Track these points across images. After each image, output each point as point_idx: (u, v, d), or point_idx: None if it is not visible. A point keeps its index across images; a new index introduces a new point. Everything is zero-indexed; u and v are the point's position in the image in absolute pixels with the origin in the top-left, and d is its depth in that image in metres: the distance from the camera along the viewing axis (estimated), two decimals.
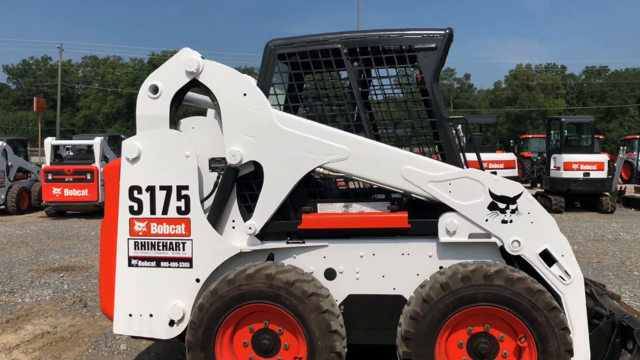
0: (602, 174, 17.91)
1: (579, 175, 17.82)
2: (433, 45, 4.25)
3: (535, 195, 18.81)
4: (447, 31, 4.26)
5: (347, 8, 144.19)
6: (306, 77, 4.87)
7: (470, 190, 4.07)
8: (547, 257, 4.04)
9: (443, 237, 4.10)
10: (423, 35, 4.28)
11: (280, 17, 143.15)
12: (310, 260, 4.31)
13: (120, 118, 75.47)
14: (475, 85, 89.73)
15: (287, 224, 4.33)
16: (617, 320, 4.02)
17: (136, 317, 4.38)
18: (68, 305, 7.14)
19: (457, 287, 3.79)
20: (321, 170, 4.27)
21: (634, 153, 25.00)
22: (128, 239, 4.38)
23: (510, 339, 3.89)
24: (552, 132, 20.02)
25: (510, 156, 19.24)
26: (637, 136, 30.11)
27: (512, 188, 4.05)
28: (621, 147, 23.14)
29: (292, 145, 4.20)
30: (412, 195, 4.18)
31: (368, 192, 4.54)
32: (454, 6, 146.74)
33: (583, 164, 17.84)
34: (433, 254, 4.21)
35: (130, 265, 4.38)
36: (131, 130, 63.52)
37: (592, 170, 17.87)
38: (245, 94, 4.24)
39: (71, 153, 20.20)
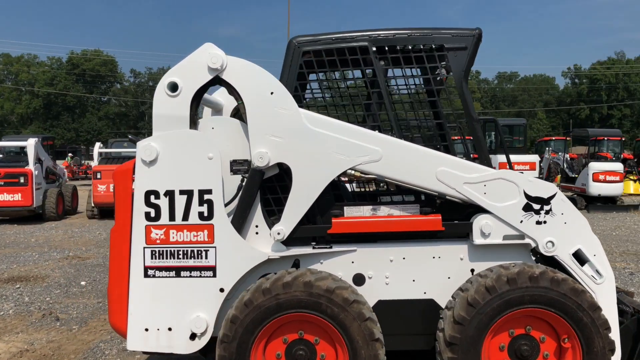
0: (534, 174, 18.70)
1: None
2: (463, 45, 4.21)
3: None
4: (477, 31, 4.23)
5: (273, 6, 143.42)
6: (326, 75, 4.71)
7: (505, 192, 4.05)
8: (579, 257, 4.08)
9: (478, 240, 4.06)
10: (453, 35, 4.23)
11: (207, 18, 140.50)
12: (338, 265, 4.15)
13: (36, 119, 71.62)
14: None
15: (316, 228, 4.15)
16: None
17: (153, 331, 4.07)
18: (37, 319, 6.58)
19: (503, 289, 3.75)
20: (352, 172, 4.14)
21: (558, 154, 26.12)
22: (144, 247, 4.06)
23: (551, 340, 3.90)
24: (485, 133, 20.75)
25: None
26: (553, 138, 31.57)
27: (546, 189, 4.07)
28: (547, 148, 24.20)
29: (322, 147, 4.03)
30: (447, 197, 4.12)
31: (380, 194, 4.45)
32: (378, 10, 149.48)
33: (517, 164, 18.47)
34: (464, 257, 4.16)
35: (146, 276, 4.06)
36: (49, 132, 60.34)
37: (525, 170, 18.62)
38: (272, 93, 4.03)
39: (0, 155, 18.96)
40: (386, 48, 4.25)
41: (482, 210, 4.10)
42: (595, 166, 18.67)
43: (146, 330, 4.08)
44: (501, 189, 4.05)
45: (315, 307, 3.79)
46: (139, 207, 4.05)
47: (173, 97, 4.02)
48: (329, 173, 4.06)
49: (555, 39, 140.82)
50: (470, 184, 4.05)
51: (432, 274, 4.16)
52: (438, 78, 4.39)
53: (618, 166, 18.80)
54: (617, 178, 18.58)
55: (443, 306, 4.12)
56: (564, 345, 3.82)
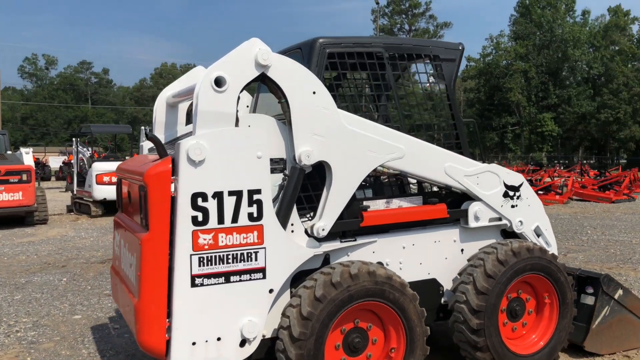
0: None
1: None
2: (453, 57, 4.88)
3: None
4: (461, 47, 4.94)
5: None
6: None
7: (491, 182, 4.85)
8: (536, 232, 5.11)
9: (472, 223, 4.79)
10: (446, 48, 4.87)
11: None
12: (361, 256, 4.45)
13: None
14: (115, 81, 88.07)
15: (349, 222, 4.37)
16: (575, 275, 5.34)
17: (201, 344, 3.83)
18: None
19: (512, 262, 4.53)
20: (380, 168, 4.47)
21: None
22: (191, 255, 3.78)
23: (533, 300, 4.83)
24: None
25: None
26: None
27: (517, 178, 4.99)
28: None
29: (358, 144, 4.29)
30: (453, 188, 4.75)
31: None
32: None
33: None
34: (457, 239, 4.85)
35: (193, 285, 3.79)
36: None
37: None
38: (314, 92, 4.13)
39: None
40: (396, 55, 4.68)
41: (468, 198, 4.83)
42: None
43: (193, 344, 3.81)
44: (489, 180, 4.84)
45: (379, 294, 4.06)
46: (185, 212, 3.75)
47: (220, 93, 3.83)
48: (364, 170, 4.33)
49: (267, 40, 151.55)
50: (469, 177, 4.75)
51: (434, 256, 4.74)
52: (428, 84, 4.98)
53: None
54: None
55: (443, 283, 4.75)
56: (545, 302, 4.79)
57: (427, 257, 4.71)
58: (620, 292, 5.15)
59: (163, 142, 5.08)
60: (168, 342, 3.79)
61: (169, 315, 3.79)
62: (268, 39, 3.96)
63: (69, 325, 6.37)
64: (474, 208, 4.79)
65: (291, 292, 4.17)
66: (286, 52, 4.99)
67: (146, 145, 5.09)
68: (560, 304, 4.78)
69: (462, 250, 4.85)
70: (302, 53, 4.52)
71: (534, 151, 68.24)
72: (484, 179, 4.82)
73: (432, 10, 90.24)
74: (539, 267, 4.66)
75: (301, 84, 4.09)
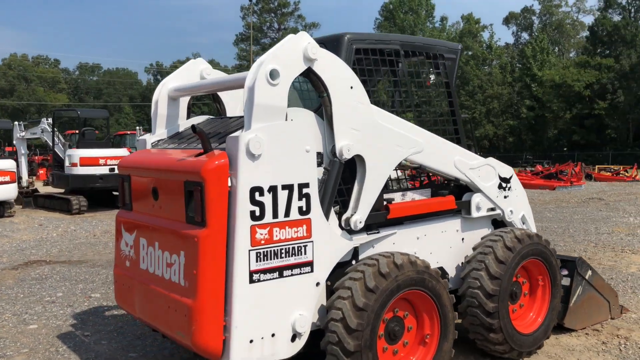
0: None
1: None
2: (454, 57, 5.15)
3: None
4: (460, 47, 5.22)
5: None
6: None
7: (489, 174, 5.20)
8: (523, 220, 5.55)
9: (475, 214, 5.10)
10: (449, 48, 5.13)
11: None
12: (384, 247, 4.58)
13: None
14: None
15: (378, 215, 4.46)
16: None
17: (258, 341, 3.76)
18: None
19: (518, 248, 4.89)
20: (403, 162, 4.61)
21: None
22: (249, 250, 3.69)
23: (527, 282, 5.23)
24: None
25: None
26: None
27: (509, 171, 5.38)
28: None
29: (387, 139, 4.41)
30: (460, 181, 5.01)
31: None
32: None
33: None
34: (459, 229, 5.14)
35: (251, 281, 3.71)
36: None
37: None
38: (352, 87, 4.18)
39: None
40: (410, 52, 4.85)
41: (466, 190, 5.14)
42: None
43: (251, 342, 3.73)
44: (487, 173, 5.18)
45: (421, 282, 4.20)
46: (244, 206, 3.66)
47: (273, 86, 3.76)
48: (392, 163, 4.46)
49: (137, 33, 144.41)
50: (473, 169, 5.05)
51: (441, 245, 4.99)
52: (429, 82, 5.20)
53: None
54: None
55: (448, 271, 5.02)
56: (539, 284, 5.21)
57: (436, 247, 4.94)
58: (589, 272, 5.74)
59: (166, 136, 4.84)
60: (224, 342, 3.66)
61: (226, 313, 3.67)
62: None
63: (29, 336, 5.81)
64: (475, 199, 5.10)
65: (327, 284, 4.18)
66: None
67: (149, 139, 4.80)
68: (552, 286, 5.24)
69: (462, 239, 5.14)
70: (327, 48, 4.52)
71: None
72: (484, 172, 5.15)
73: (301, 10, 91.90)
74: (537, 252, 5.07)
75: (342, 79, 4.12)
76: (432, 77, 5.25)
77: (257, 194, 3.70)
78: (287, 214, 3.85)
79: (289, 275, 3.88)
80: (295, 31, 77.88)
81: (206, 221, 3.62)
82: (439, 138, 4.85)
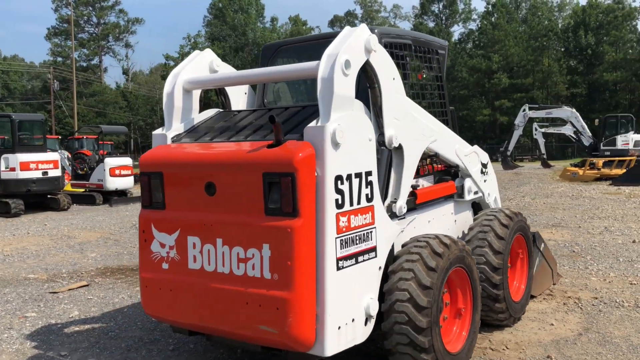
0: (58, 172, 18.26)
1: (38, 174, 17.50)
2: (444, 52, 5.57)
3: None
4: (447, 42, 5.64)
5: None
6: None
7: (475, 161, 5.69)
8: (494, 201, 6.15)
9: (467, 197, 5.57)
10: (441, 44, 5.53)
11: None
12: (408, 232, 4.85)
13: None
14: None
15: (409, 200, 4.70)
16: None
17: (343, 327, 3.84)
18: None
19: (510, 225, 5.44)
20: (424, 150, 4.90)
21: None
22: (335, 238, 3.74)
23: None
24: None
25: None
26: (80, 137, 29.56)
27: (486, 157, 5.92)
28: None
29: (417, 128, 4.69)
30: (459, 167, 5.42)
31: None
32: None
33: (41, 163, 17.61)
34: (452, 212, 5.58)
35: (338, 268, 3.77)
36: None
37: (49, 169, 17.97)
38: (394, 79, 4.38)
39: None
40: (416, 47, 5.14)
41: (456, 175, 5.60)
42: (110, 162, 19.93)
43: (339, 328, 3.78)
44: (473, 159, 5.67)
45: (462, 260, 4.52)
46: (330, 195, 3.70)
47: (346, 77, 3.85)
48: (421, 151, 4.74)
49: None
50: (466, 156, 5.50)
51: (443, 227, 5.38)
52: (420, 75, 5.53)
53: (129, 161, 20.55)
54: (129, 172, 20.35)
55: None
56: (519, 257, 5.83)
57: (439, 229, 5.30)
58: (543, 244, 6.52)
59: (183, 130, 4.61)
60: (316, 331, 3.67)
61: (317, 303, 3.67)
62: None
63: None
64: (467, 183, 5.57)
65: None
66: (325, 39, 5.04)
67: (168, 134, 4.50)
68: (529, 257, 5.89)
69: (455, 221, 5.58)
70: None
71: None
72: (472, 158, 5.64)
73: (122, 5, 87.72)
74: (521, 227, 5.68)
75: (389, 71, 4.30)
76: (424, 70, 5.61)
77: (339, 182, 3.76)
78: (358, 201, 3.94)
79: (361, 261, 3.97)
80: (118, 26, 73.48)
81: (299, 211, 3.59)
82: (446, 127, 5.23)
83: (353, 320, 3.89)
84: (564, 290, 6.67)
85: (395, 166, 4.51)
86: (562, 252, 8.78)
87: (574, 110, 30.76)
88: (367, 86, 4.28)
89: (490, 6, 60.30)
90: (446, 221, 5.42)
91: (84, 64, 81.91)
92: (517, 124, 31.97)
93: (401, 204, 4.45)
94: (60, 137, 35.35)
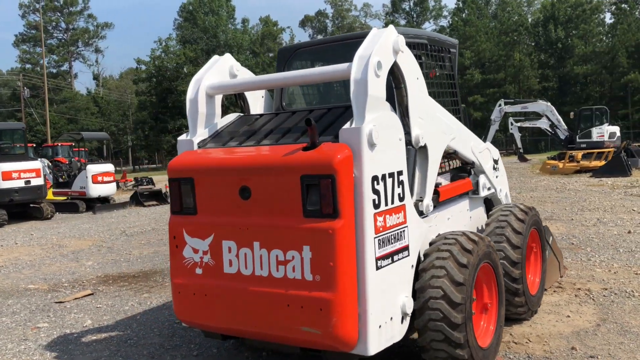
0: (40, 181, 17.95)
1: (21, 183, 17.19)
2: (455, 50, 5.63)
3: None
4: (457, 41, 5.71)
5: None
6: None
7: (487, 157, 5.77)
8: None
9: (482, 193, 5.64)
10: (452, 43, 5.59)
11: None
12: (432, 229, 4.90)
13: None
14: None
15: (434, 198, 4.75)
16: None
17: (383, 326, 3.88)
18: None
19: (526, 219, 5.52)
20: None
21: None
22: (374, 238, 3.77)
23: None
24: None
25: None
26: (59, 144, 29.34)
27: (497, 153, 6.00)
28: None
29: (438, 127, 4.75)
30: (474, 164, 5.49)
31: None
32: None
33: (23, 172, 17.32)
34: (468, 208, 5.64)
35: (377, 268, 3.80)
36: None
37: (32, 177, 17.71)
38: (417, 78, 4.43)
39: None
40: (431, 47, 5.19)
41: (469, 172, 5.67)
42: (93, 169, 19.68)
43: (379, 327, 3.81)
44: (486, 155, 5.74)
45: (488, 256, 4.58)
46: (368, 195, 3.74)
47: (378, 78, 3.88)
48: (442, 149, 4.79)
49: None
50: (480, 153, 5.57)
51: (460, 223, 5.44)
52: (432, 74, 5.58)
53: (111, 167, 20.35)
54: (111, 178, 20.11)
55: None
56: (533, 250, 5.92)
57: (457, 226, 5.37)
58: (551, 238, 6.63)
59: (207, 135, 4.59)
60: (359, 331, 3.70)
61: (358, 303, 3.70)
62: None
63: None
64: (482, 180, 5.65)
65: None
66: (341, 41, 5.08)
67: (195, 140, 4.48)
68: (542, 251, 5.99)
69: (470, 217, 5.65)
70: None
71: None
72: (485, 155, 5.71)
73: (91, 10, 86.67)
74: (536, 222, 5.77)
75: (414, 71, 4.34)
76: (436, 69, 5.66)
77: (375, 182, 3.79)
78: (392, 201, 3.97)
79: (397, 260, 4.01)
80: (87, 31, 72.43)
81: (339, 212, 3.61)
82: (462, 125, 5.29)
83: (391, 318, 3.92)
84: (573, 283, 6.80)
85: (419, 165, 4.56)
86: (561, 245, 8.92)
87: (549, 104, 31.26)
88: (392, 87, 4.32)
89: (460, 3, 61.09)
90: (463, 218, 5.49)
91: (54, 70, 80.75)
92: (493, 119, 32.37)
93: (428, 202, 4.50)
94: (34, 145, 34.79)
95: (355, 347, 3.71)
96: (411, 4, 63.14)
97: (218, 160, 4.18)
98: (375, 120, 3.80)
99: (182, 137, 4.59)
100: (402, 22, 63.44)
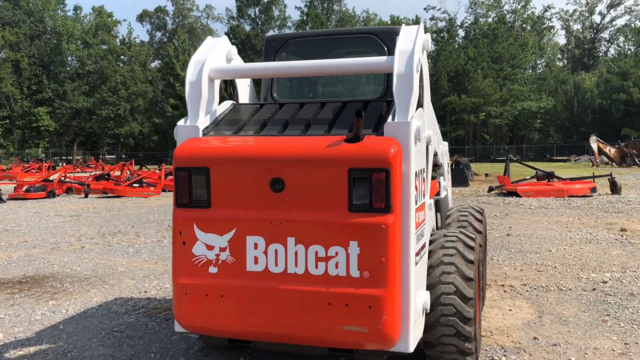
0: None
1: None
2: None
3: None
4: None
5: None
6: None
7: (447, 159, 6.03)
8: None
9: (443, 194, 5.89)
10: None
11: None
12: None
13: None
14: None
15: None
16: None
17: (417, 322, 3.90)
18: None
19: (482, 218, 5.86)
20: None
21: None
22: (414, 234, 3.78)
23: None
24: None
25: None
26: None
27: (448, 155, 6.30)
28: None
29: (436, 128, 4.88)
30: (440, 166, 5.70)
31: None
32: None
33: None
34: (432, 209, 5.85)
35: (415, 264, 3.81)
36: None
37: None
38: (427, 78, 4.52)
39: None
40: None
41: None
42: None
43: (415, 323, 3.83)
44: (447, 157, 6.00)
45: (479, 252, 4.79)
46: (412, 191, 3.74)
47: (417, 73, 3.89)
48: (435, 150, 4.92)
49: None
50: (445, 154, 5.81)
51: (429, 224, 5.61)
52: None
53: None
54: None
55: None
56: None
57: (428, 225, 5.55)
58: None
59: (209, 122, 4.24)
60: (401, 328, 3.68)
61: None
62: None
63: None
64: (443, 182, 5.90)
65: None
66: (336, 35, 4.97)
67: (200, 126, 4.07)
68: (485, 251, 6.39)
69: (432, 218, 5.86)
70: (380, 39, 4.69)
71: (29, 147, 65.52)
72: (446, 157, 5.98)
73: None
74: (485, 222, 6.15)
75: (427, 70, 4.42)
76: None
77: (415, 179, 3.79)
78: (422, 197, 4.02)
79: (423, 256, 4.05)
80: None
81: (391, 207, 3.55)
82: (437, 126, 5.47)
83: (419, 314, 3.94)
84: (494, 280, 7.35)
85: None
86: None
87: None
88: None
89: (304, 16, 62.88)
90: (430, 217, 5.66)
91: None
92: None
93: (431, 202, 4.60)
94: None
95: (396, 345, 3.67)
96: (256, 11, 63.54)
97: (242, 149, 3.86)
98: (417, 116, 3.81)
99: (182, 122, 4.18)
100: (248, 27, 63.61)
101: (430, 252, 4.44)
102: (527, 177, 19.92)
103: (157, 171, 27.32)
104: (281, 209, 3.74)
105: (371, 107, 4.18)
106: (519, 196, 17.87)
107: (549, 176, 18.82)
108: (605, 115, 61.64)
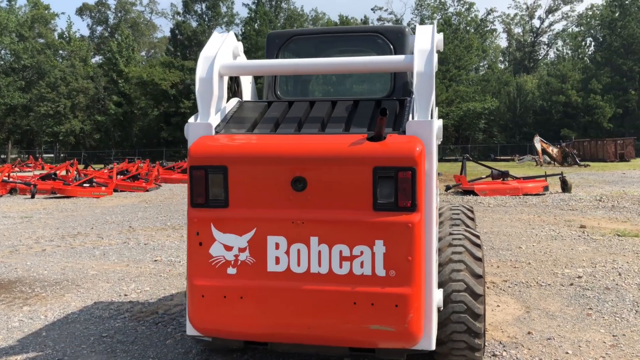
0: None
1: None
2: None
3: None
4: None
5: None
6: None
7: None
8: None
9: None
10: None
11: None
12: None
13: None
14: None
15: None
16: None
17: (436, 319, 3.91)
18: None
19: (473, 216, 5.95)
20: None
21: None
22: (437, 232, 3.81)
23: None
24: None
25: None
26: None
27: None
28: None
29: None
30: None
31: None
32: None
33: None
34: None
35: (435, 262, 3.83)
36: None
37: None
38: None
39: None
40: None
41: None
42: None
43: (435, 321, 3.85)
44: None
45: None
46: (435, 189, 3.77)
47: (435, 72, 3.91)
48: None
49: None
50: None
51: None
52: None
53: None
54: None
55: None
56: None
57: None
58: None
59: (220, 120, 4.13)
60: (424, 325, 3.69)
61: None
62: None
63: None
64: None
65: None
66: (340, 33, 4.93)
67: (213, 123, 3.94)
68: None
69: None
70: (387, 38, 4.68)
71: None
72: None
73: None
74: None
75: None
76: None
77: (436, 177, 3.81)
78: (437, 196, 4.03)
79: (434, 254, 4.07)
80: None
81: (417, 206, 3.55)
82: None
83: (436, 312, 3.96)
84: None
85: None
86: None
87: None
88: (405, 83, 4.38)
89: (253, 13, 62.37)
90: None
91: None
92: None
93: None
94: None
95: (419, 343, 3.67)
96: (203, 7, 62.58)
97: (262, 148, 3.77)
98: (435, 114, 3.83)
99: (193, 119, 4.05)
100: (194, 24, 62.55)
101: (438, 250, 4.47)
102: (482, 177, 20.39)
103: (107, 170, 26.63)
104: (303, 208, 3.68)
105: (384, 105, 4.17)
106: (476, 194, 18.30)
107: (504, 175, 19.35)
108: (546, 117, 63.97)
